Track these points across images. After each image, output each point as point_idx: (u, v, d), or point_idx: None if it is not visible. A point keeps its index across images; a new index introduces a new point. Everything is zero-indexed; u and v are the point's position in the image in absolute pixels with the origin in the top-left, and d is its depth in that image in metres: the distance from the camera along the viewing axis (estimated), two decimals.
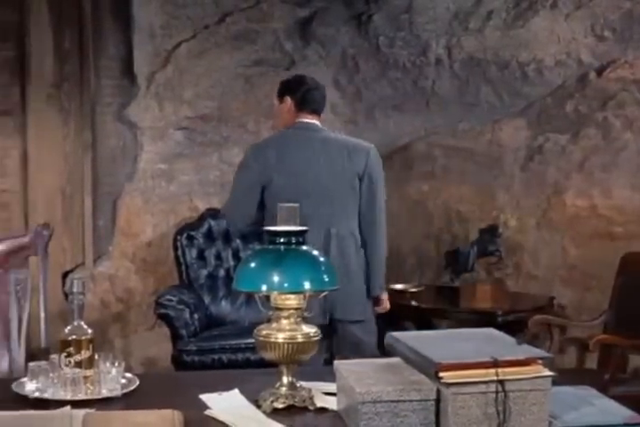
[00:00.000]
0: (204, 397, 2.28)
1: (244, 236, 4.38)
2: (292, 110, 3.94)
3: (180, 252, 5.42)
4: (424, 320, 5.25)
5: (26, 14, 5.27)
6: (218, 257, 5.50)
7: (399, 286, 5.36)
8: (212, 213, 5.44)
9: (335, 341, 3.93)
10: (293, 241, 2.24)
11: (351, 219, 3.89)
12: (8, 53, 5.30)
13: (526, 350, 1.99)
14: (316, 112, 3.97)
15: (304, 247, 2.26)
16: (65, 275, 5.40)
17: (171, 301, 5.04)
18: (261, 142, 4.05)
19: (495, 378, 1.88)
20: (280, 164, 3.82)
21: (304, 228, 2.26)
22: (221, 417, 2.12)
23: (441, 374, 1.90)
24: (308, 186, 3.78)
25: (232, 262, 5.46)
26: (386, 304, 4.06)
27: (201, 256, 5.47)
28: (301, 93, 3.94)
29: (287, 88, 3.99)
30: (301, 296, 2.24)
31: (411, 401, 1.94)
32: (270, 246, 2.25)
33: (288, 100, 3.95)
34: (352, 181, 3.87)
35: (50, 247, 3.18)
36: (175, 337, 4.99)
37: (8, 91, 5.33)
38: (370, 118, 5.84)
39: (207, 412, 2.17)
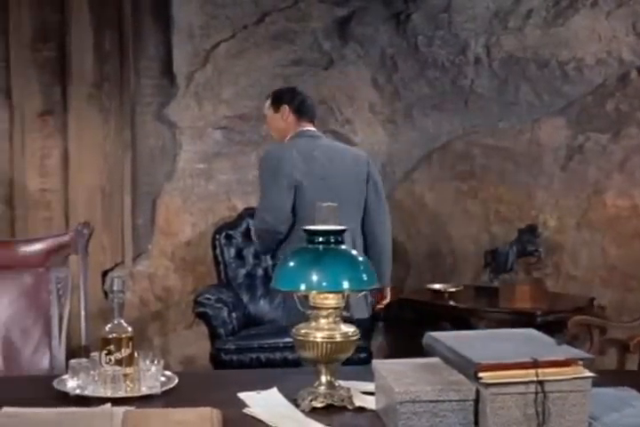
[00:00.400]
0: (243, 395, 2.29)
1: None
2: (290, 118, 3.98)
3: (218, 251, 5.44)
4: (462, 320, 5.23)
5: (67, 14, 5.32)
6: (256, 256, 5.51)
7: (437, 286, 5.34)
8: (251, 213, 5.42)
9: None
10: (332, 240, 2.24)
11: (359, 220, 3.98)
12: (50, 54, 5.35)
13: (566, 351, 1.98)
14: (313, 120, 4.06)
15: (342, 247, 2.26)
16: (105, 273, 5.44)
17: (209, 299, 5.07)
18: (278, 149, 3.98)
19: (535, 379, 1.87)
20: (305, 169, 3.83)
21: (343, 227, 2.26)
22: (260, 416, 2.13)
23: (480, 375, 1.89)
24: (335, 189, 3.78)
25: (270, 262, 5.45)
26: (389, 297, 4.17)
27: (239, 255, 5.49)
28: (298, 101, 4.01)
29: (283, 97, 4.04)
30: (340, 295, 2.24)
31: (450, 401, 1.94)
32: (309, 246, 2.25)
33: (285, 108, 3.98)
34: (360, 185, 3.99)
35: (90, 246, 3.20)
36: (213, 336, 5.01)
37: (49, 90, 5.38)
38: (408, 117, 5.82)
39: (246, 410, 2.18)
